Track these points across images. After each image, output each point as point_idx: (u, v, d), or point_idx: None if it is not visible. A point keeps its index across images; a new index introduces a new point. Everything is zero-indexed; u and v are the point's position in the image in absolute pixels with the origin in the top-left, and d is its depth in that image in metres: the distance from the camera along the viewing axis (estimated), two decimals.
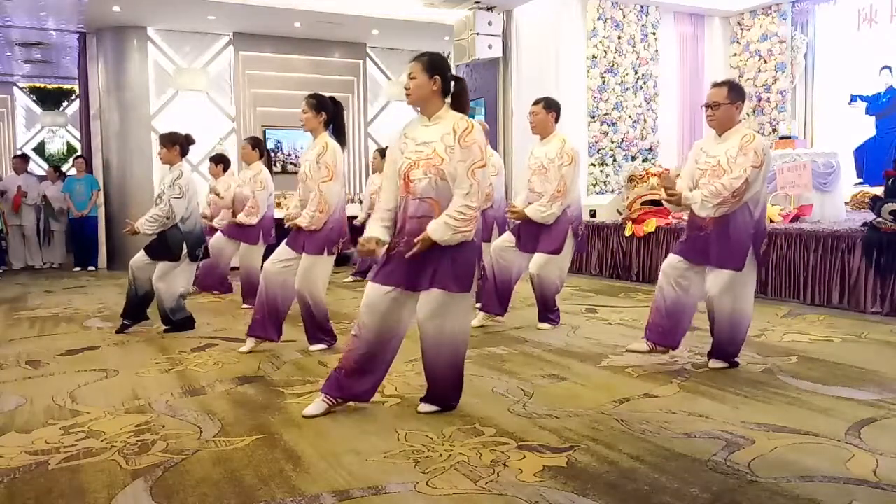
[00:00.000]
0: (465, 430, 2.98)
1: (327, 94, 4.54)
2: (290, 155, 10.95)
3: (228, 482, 2.50)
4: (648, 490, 2.38)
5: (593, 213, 8.39)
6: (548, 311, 5.22)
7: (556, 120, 5.06)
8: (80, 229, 10.28)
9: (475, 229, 3.06)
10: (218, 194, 7.23)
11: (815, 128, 10.38)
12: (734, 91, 3.82)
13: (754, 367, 3.94)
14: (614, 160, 9.75)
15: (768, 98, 10.37)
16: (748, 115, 10.39)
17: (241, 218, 6.41)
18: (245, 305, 6.38)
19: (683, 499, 2.30)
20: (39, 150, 15.49)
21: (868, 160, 9.46)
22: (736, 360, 3.95)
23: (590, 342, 4.69)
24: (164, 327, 5.30)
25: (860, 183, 9.31)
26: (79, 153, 11.75)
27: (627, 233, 7.76)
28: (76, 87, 12.70)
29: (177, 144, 5.26)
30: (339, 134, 4.49)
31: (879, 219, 5.47)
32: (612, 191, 9.45)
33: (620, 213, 8.20)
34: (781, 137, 8.70)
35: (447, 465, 2.59)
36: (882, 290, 5.43)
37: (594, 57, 9.55)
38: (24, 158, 11.17)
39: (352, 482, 2.47)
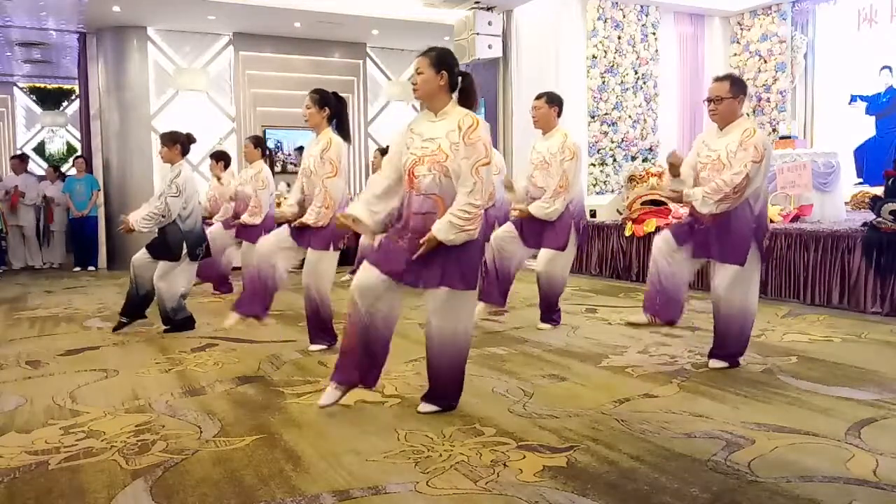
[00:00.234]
0: (465, 430, 2.98)
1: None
2: (290, 155, 10.96)
3: (228, 482, 2.50)
4: (648, 490, 2.38)
5: (593, 213, 8.39)
6: (550, 310, 5.22)
7: (559, 114, 5.06)
8: (80, 229, 10.27)
9: (480, 227, 3.05)
10: (219, 178, 7.27)
11: (815, 128, 10.38)
12: (736, 85, 3.83)
13: (754, 367, 3.94)
14: (614, 160, 9.75)
15: (768, 98, 10.37)
16: (748, 115, 10.38)
17: (245, 218, 6.40)
18: None
19: (683, 499, 2.30)
20: (39, 150, 15.49)
21: (868, 160, 9.46)
22: (738, 360, 3.95)
23: (590, 342, 4.69)
24: (164, 327, 5.30)
25: (860, 183, 9.31)
26: (79, 153, 11.75)
27: (627, 233, 7.76)
28: (76, 87, 12.71)
29: (178, 143, 5.26)
30: (343, 129, 4.49)
31: (879, 219, 5.47)
32: (612, 191, 9.45)
33: (620, 213, 8.20)
34: (781, 137, 8.71)
35: (447, 465, 2.59)
36: (882, 290, 5.43)
37: (594, 57, 9.55)
38: (23, 159, 11.15)
39: (352, 482, 2.47)
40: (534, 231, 5.03)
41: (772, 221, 6.48)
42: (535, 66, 9.62)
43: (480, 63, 9.88)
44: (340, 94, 4.56)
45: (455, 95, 3.16)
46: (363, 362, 3.16)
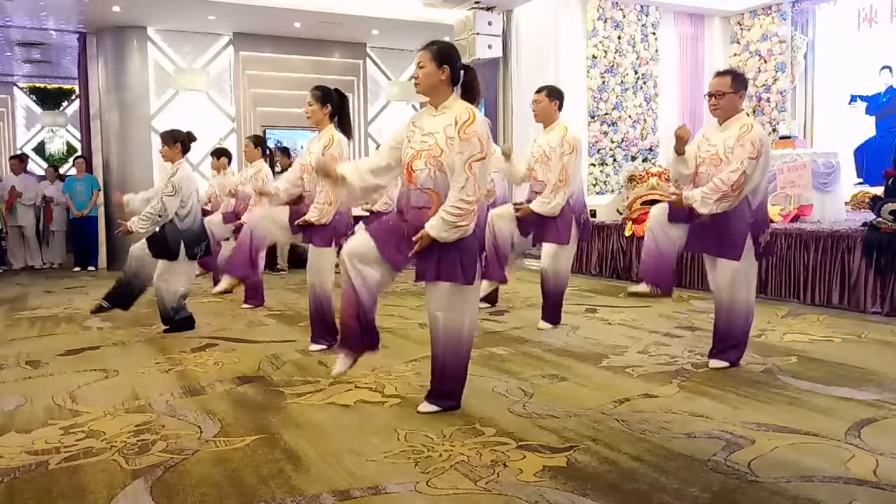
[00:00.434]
0: (465, 430, 2.98)
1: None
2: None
3: (228, 482, 2.50)
4: (648, 490, 2.38)
5: (593, 213, 8.38)
6: (557, 308, 5.20)
7: (559, 108, 5.06)
8: (81, 229, 10.28)
9: (474, 223, 3.03)
10: (219, 170, 7.31)
11: (815, 128, 10.37)
12: (737, 80, 3.84)
13: (754, 367, 3.93)
14: (614, 160, 9.74)
15: (768, 98, 10.36)
16: (748, 115, 10.36)
17: (245, 217, 6.40)
18: (245, 305, 6.38)
19: (683, 499, 2.30)
20: (39, 150, 15.48)
21: (868, 160, 9.46)
22: (738, 359, 3.95)
23: (590, 342, 4.69)
24: (164, 327, 5.30)
25: (860, 183, 9.30)
26: (79, 153, 11.75)
27: (627, 233, 7.77)
28: (76, 87, 12.70)
29: (178, 142, 5.25)
30: (345, 126, 4.49)
31: (879, 219, 5.47)
32: (612, 191, 9.45)
33: (620, 213, 8.20)
34: (781, 137, 8.70)
35: (447, 465, 2.59)
36: (882, 290, 5.43)
37: (594, 57, 9.55)
38: (22, 159, 11.14)
39: (352, 482, 2.48)
40: (532, 221, 5.02)
41: (772, 221, 6.48)
42: (534, 66, 9.62)
43: (480, 63, 9.88)
44: (342, 91, 4.56)
45: (458, 90, 3.15)
46: (362, 331, 3.16)
